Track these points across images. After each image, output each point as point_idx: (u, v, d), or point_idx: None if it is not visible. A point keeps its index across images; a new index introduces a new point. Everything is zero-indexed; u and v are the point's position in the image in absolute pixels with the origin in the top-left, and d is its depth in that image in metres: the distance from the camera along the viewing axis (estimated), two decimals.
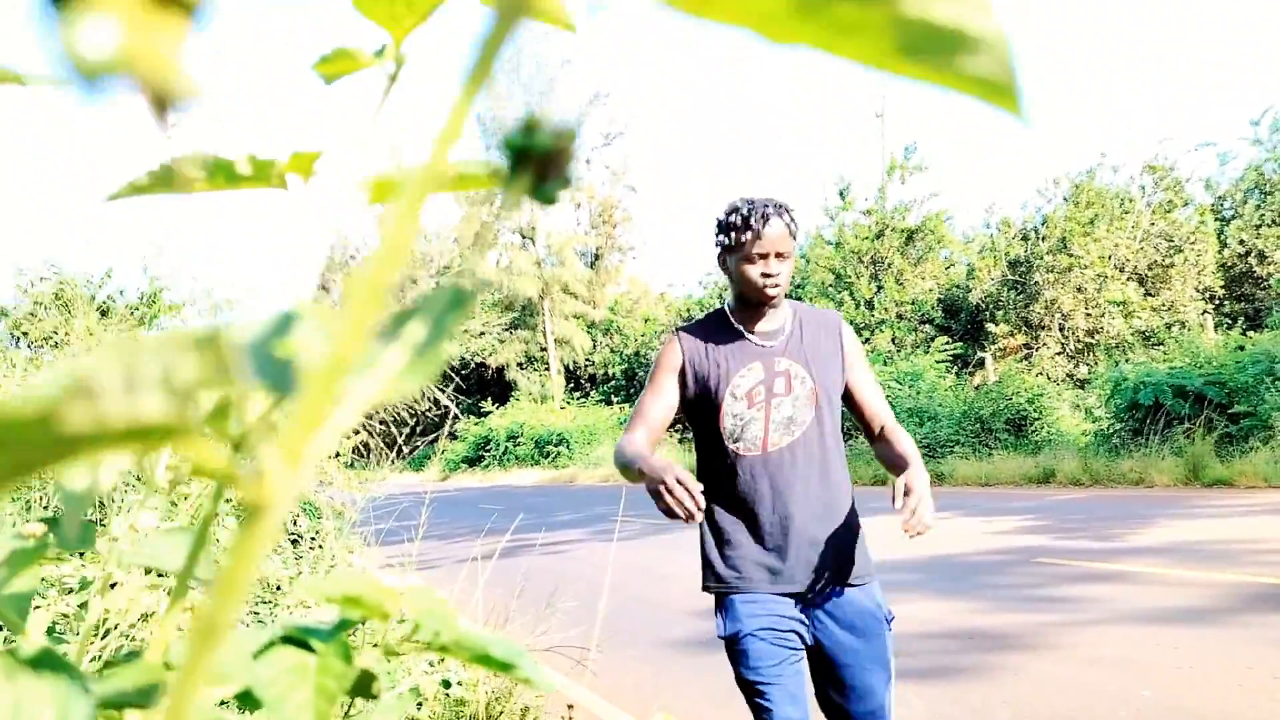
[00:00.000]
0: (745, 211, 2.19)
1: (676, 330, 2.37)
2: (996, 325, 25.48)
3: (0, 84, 0.37)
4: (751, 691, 2.17)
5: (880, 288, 27.64)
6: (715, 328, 2.31)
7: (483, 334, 42.25)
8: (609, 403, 37.36)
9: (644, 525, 10.79)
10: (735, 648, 2.19)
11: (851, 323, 27.72)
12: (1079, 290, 24.57)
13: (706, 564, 2.28)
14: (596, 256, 43.93)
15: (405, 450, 6.06)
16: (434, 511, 4.83)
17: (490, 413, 36.56)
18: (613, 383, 39.33)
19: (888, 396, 18.86)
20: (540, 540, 8.97)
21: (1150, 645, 4.59)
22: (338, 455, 5.76)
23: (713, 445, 2.28)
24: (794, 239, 2.23)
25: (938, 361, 21.32)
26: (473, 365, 42.29)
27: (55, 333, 13.35)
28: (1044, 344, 24.73)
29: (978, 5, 0.19)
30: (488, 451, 33.89)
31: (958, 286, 27.89)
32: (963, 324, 27.10)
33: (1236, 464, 11.56)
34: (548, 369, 41.68)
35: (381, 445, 6.30)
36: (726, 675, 2.28)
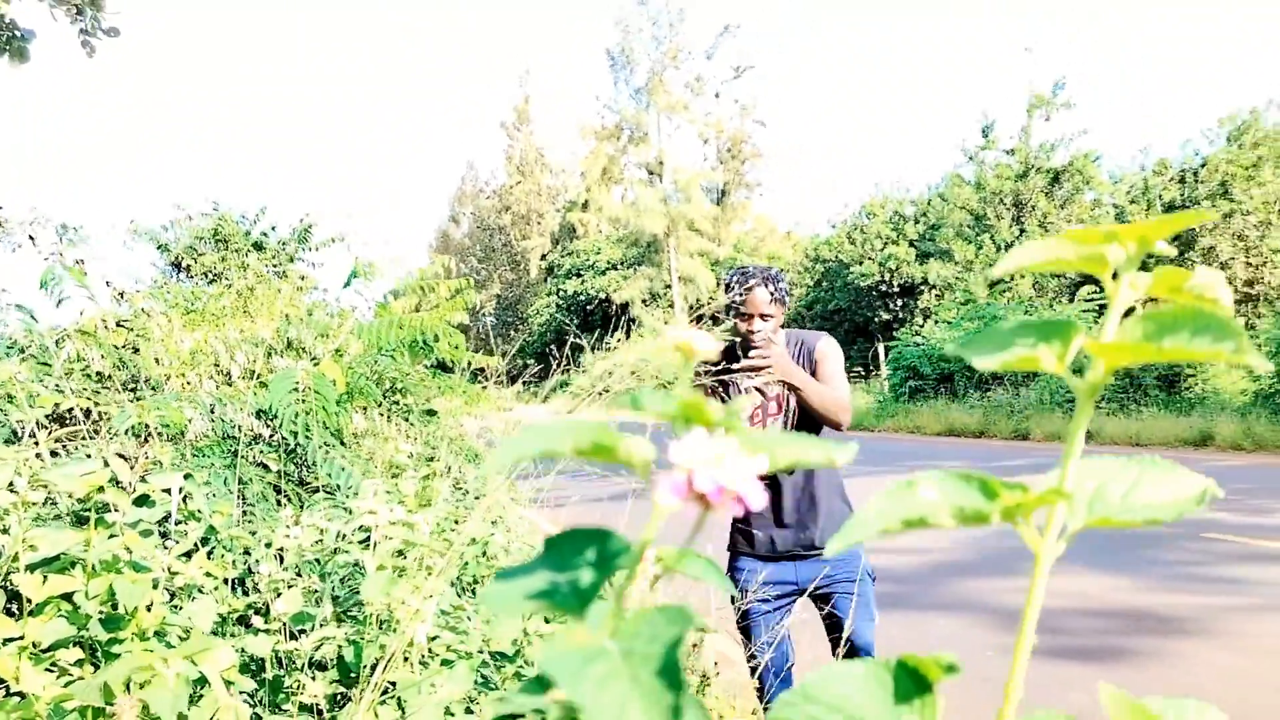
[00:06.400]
0: (738, 280, 2.94)
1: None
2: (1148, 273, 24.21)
3: None
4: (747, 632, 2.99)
5: (1023, 231, 26.58)
6: (728, 359, 3.00)
7: (608, 270, 42.49)
8: None
9: None
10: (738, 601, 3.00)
11: (991, 266, 26.84)
12: (1239, 238, 23.14)
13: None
14: (723, 193, 43.45)
15: (534, 383, 6.10)
16: None
17: (614, 348, 36.91)
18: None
19: None
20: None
21: None
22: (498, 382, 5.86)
23: None
24: (778, 303, 2.93)
25: (1083, 311, 20.46)
26: (597, 301, 42.65)
27: (214, 266, 14.00)
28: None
29: None
30: (610, 388, 34.29)
31: None
32: None
33: None
34: (671, 306, 41.70)
35: (508, 378, 6.36)
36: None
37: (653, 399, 0.35)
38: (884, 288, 31.25)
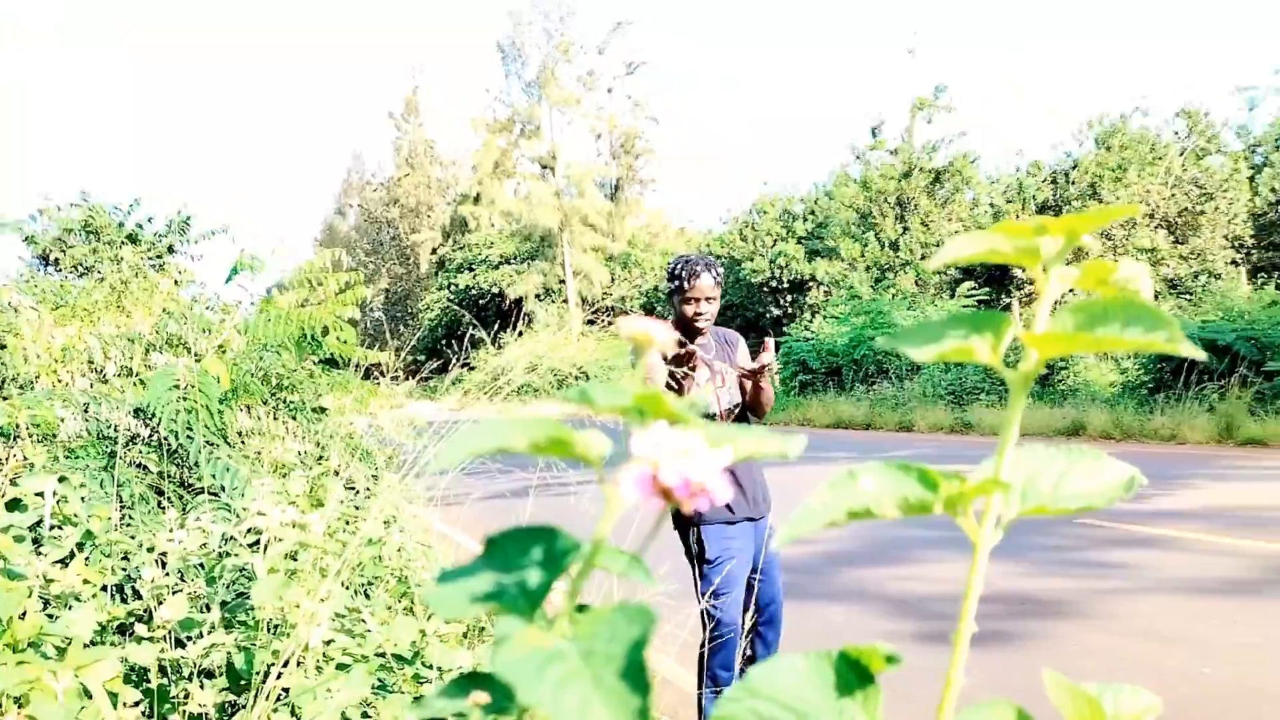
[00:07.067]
0: (684, 268, 3.13)
1: None
2: (1023, 270, 25.20)
3: None
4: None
5: (906, 229, 27.37)
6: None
7: (501, 265, 42.09)
8: None
9: None
10: (714, 565, 3.08)
11: (875, 264, 27.59)
12: (1107, 237, 24.28)
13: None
14: (616, 188, 43.52)
15: (428, 379, 6.00)
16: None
17: (508, 343, 36.57)
18: (630, 317, 39.22)
19: None
20: (578, 480, 8.93)
21: (1207, 619, 4.60)
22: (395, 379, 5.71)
23: None
24: (718, 287, 3.18)
25: (963, 307, 21.19)
26: (490, 295, 42.23)
27: (85, 259, 13.34)
28: (1071, 290, 24.51)
29: None
30: (508, 383, 34.02)
31: (983, 229, 27.50)
32: (988, 268, 26.81)
33: (1271, 423, 11.49)
34: (565, 301, 41.60)
35: (404, 373, 6.25)
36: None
37: (603, 392, 0.34)
38: (774, 284, 31.75)
